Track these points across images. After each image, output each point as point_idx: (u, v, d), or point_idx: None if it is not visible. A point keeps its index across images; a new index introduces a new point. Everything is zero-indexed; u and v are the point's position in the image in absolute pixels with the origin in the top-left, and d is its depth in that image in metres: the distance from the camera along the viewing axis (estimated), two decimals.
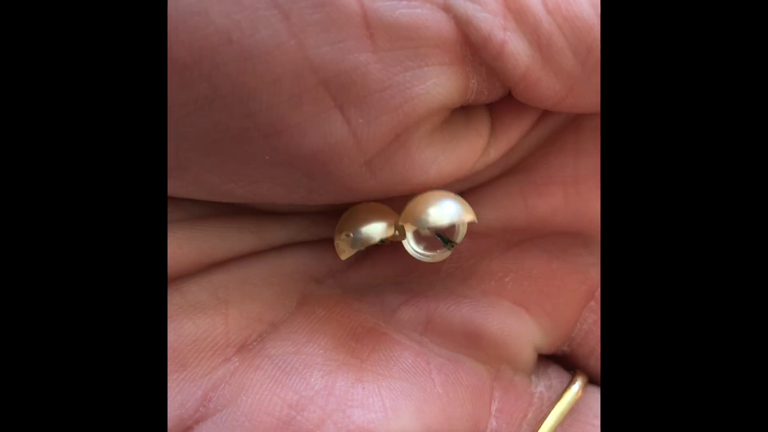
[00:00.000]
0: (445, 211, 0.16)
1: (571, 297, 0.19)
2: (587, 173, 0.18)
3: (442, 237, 0.17)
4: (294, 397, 0.16)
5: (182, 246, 0.16)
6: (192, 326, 0.16)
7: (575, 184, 0.18)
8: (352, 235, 0.17)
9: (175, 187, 0.15)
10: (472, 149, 0.16)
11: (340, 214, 0.17)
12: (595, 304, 0.19)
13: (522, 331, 0.18)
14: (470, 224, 0.17)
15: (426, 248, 0.17)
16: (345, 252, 0.17)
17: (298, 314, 0.17)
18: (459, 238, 0.17)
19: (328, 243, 0.18)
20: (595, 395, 0.19)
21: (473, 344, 0.18)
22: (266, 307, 0.17)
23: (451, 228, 0.17)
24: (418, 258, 0.17)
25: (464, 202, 0.17)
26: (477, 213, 0.17)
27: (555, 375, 0.19)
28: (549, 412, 0.18)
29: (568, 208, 0.18)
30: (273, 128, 0.14)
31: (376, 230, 0.17)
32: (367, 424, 0.16)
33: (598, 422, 0.18)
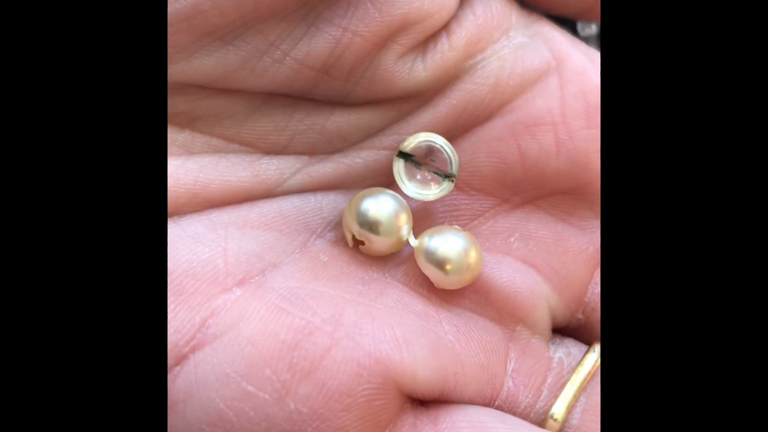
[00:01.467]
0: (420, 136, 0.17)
1: (580, 257, 0.18)
2: (574, 113, 0.18)
3: (438, 172, 0.17)
4: (301, 323, 0.15)
5: (176, 173, 0.16)
6: (190, 254, 0.15)
7: (564, 124, 0.18)
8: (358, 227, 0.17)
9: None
10: None
11: (330, 155, 0.18)
12: None
13: (533, 286, 0.18)
14: (469, 178, 0.18)
15: (424, 186, 0.18)
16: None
17: (301, 257, 0.17)
18: (454, 168, 0.17)
19: (320, 193, 0.18)
20: None
21: (482, 300, 0.17)
22: (267, 248, 0.16)
23: (442, 161, 0.17)
24: (416, 197, 0.17)
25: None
26: (473, 163, 0.18)
27: (573, 344, 0.18)
28: (570, 377, 0.17)
29: (560, 151, 0.18)
30: None
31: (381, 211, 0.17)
32: (378, 353, 0.15)
33: None
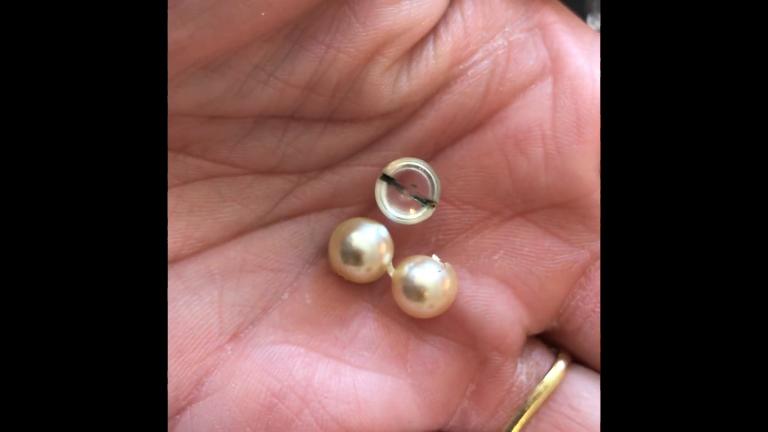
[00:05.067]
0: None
1: (561, 276, 0.19)
2: (565, 127, 0.18)
3: (419, 197, 0.18)
4: (277, 385, 0.18)
5: (170, 219, 0.18)
6: (187, 313, 0.18)
7: (554, 138, 0.18)
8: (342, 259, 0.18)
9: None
10: None
11: (317, 173, 0.18)
12: (585, 280, 0.19)
13: (507, 312, 0.19)
14: (458, 192, 0.19)
15: (402, 212, 0.19)
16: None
17: (289, 300, 0.19)
18: (436, 195, 0.18)
19: (311, 218, 0.19)
20: (573, 382, 0.19)
21: (457, 326, 0.19)
22: (258, 293, 0.18)
23: (424, 186, 0.18)
24: (396, 221, 0.18)
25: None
26: (463, 176, 0.18)
27: (538, 358, 0.19)
28: (526, 399, 0.19)
29: (549, 166, 0.18)
30: None
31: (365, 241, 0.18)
32: (340, 414, 0.18)
33: (571, 412, 0.19)
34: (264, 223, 0.18)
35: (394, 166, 0.18)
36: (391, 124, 0.18)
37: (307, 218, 0.19)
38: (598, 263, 0.19)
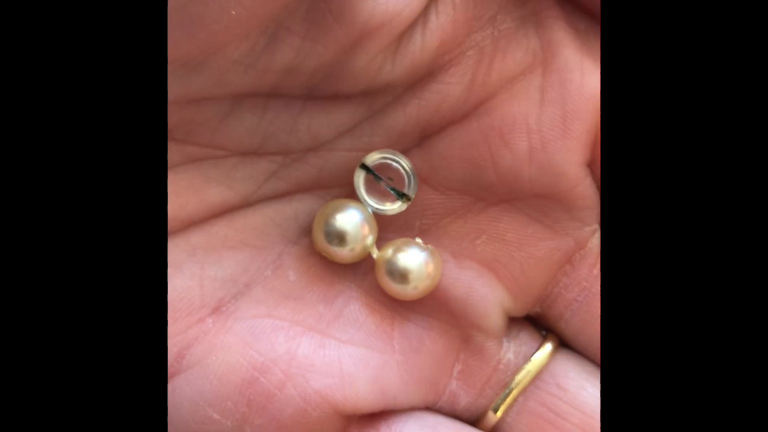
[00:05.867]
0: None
1: (544, 262, 0.19)
2: (550, 121, 0.18)
3: (395, 190, 0.18)
4: (259, 359, 0.18)
5: None
6: (169, 287, 0.18)
7: (539, 132, 0.18)
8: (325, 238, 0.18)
9: None
10: None
11: (301, 155, 0.18)
12: (570, 268, 0.19)
13: (488, 294, 0.19)
14: (443, 179, 0.18)
15: (380, 202, 0.19)
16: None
17: (272, 277, 0.18)
18: (411, 190, 0.18)
19: (295, 198, 0.19)
20: (560, 363, 0.19)
21: (441, 307, 0.19)
22: (241, 269, 0.18)
23: (401, 180, 0.18)
24: (373, 210, 0.18)
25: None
26: (447, 166, 0.18)
27: (526, 339, 0.19)
28: (513, 377, 0.19)
29: (533, 160, 0.18)
30: None
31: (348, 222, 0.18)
32: (323, 389, 0.18)
33: (558, 391, 0.19)
34: (248, 203, 0.18)
35: (373, 157, 0.18)
36: (373, 107, 0.18)
37: (290, 198, 0.19)
38: (584, 252, 0.19)
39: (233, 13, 0.15)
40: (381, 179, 0.18)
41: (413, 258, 0.18)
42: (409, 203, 0.18)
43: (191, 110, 0.17)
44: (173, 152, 0.17)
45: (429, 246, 0.18)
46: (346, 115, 0.18)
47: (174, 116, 0.17)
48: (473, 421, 0.19)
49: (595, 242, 0.19)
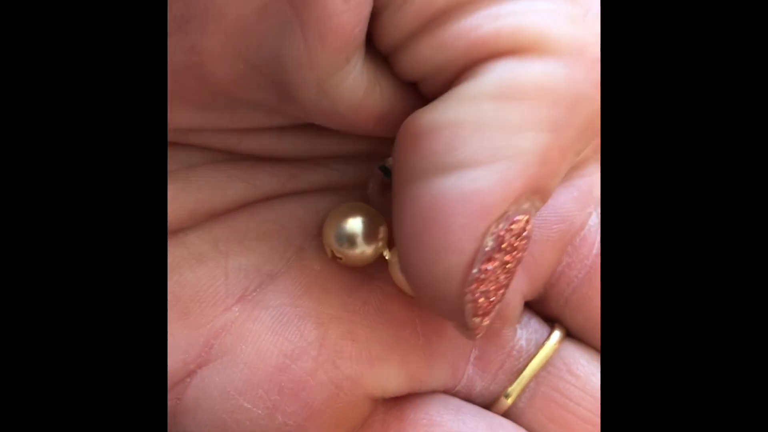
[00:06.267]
0: None
1: (555, 245, 0.20)
2: None
3: None
4: (289, 347, 0.18)
5: (177, 197, 0.18)
6: (194, 277, 0.18)
7: None
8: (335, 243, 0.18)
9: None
10: None
11: (324, 160, 0.19)
12: (572, 249, 0.20)
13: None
14: None
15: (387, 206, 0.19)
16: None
17: (295, 267, 0.19)
18: None
19: (318, 194, 0.19)
20: (570, 350, 0.20)
21: None
22: (264, 259, 0.18)
23: None
24: (376, 207, 0.19)
25: None
26: None
27: (536, 327, 0.20)
28: (526, 364, 0.20)
29: None
30: (242, 39, 0.15)
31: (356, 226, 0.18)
32: (354, 374, 0.18)
33: (570, 377, 0.20)
34: (269, 198, 0.19)
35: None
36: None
37: (312, 196, 0.19)
38: (583, 233, 0.20)
39: (241, 67, 0.15)
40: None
41: None
42: None
43: (206, 135, 0.17)
44: (194, 156, 0.18)
45: None
46: (362, 143, 0.18)
47: (188, 136, 0.17)
48: (486, 406, 0.20)
49: (594, 220, 0.20)
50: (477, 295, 0.16)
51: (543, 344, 0.20)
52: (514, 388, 0.20)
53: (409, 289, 0.19)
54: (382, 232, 0.19)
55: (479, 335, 0.17)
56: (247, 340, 0.18)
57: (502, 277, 0.16)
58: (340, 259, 0.19)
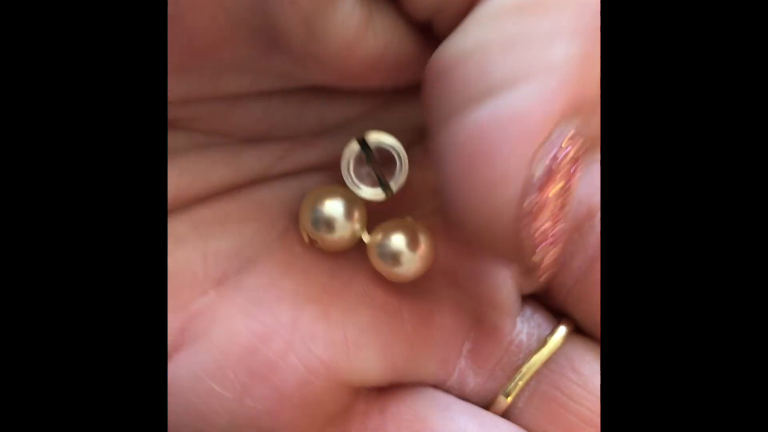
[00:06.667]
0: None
1: None
2: None
3: (380, 177, 0.18)
4: (260, 328, 0.17)
5: None
6: (171, 261, 0.17)
7: None
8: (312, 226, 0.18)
9: None
10: None
11: (311, 138, 0.18)
12: (578, 236, 0.18)
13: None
14: None
15: (364, 182, 0.18)
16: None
17: (277, 250, 0.18)
18: (396, 185, 0.17)
19: (303, 176, 0.18)
20: (575, 347, 0.19)
21: (450, 281, 0.18)
22: (246, 242, 0.18)
23: (391, 171, 0.17)
24: (349, 185, 0.18)
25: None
26: None
27: (540, 322, 0.19)
28: (525, 360, 0.18)
29: None
30: None
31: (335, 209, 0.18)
32: (328, 358, 0.17)
33: (573, 375, 0.18)
34: (254, 181, 0.18)
35: (374, 136, 0.17)
36: (378, 103, 0.18)
37: (297, 176, 0.18)
38: (592, 222, 0.18)
39: (222, 18, 0.15)
40: (369, 161, 0.17)
41: (404, 240, 0.18)
42: (390, 197, 0.18)
43: (191, 107, 0.17)
44: (178, 139, 0.17)
45: (421, 225, 0.18)
46: (356, 104, 0.18)
47: (175, 110, 0.17)
48: (483, 406, 0.19)
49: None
50: (533, 230, 0.14)
51: (546, 340, 0.19)
52: (514, 387, 0.18)
53: (389, 273, 0.18)
54: (360, 214, 0.18)
55: (544, 277, 0.15)
56: (220, 322, 0.17)
57: (558, 210, 0.15)
58: (318, 243, 0.18)
